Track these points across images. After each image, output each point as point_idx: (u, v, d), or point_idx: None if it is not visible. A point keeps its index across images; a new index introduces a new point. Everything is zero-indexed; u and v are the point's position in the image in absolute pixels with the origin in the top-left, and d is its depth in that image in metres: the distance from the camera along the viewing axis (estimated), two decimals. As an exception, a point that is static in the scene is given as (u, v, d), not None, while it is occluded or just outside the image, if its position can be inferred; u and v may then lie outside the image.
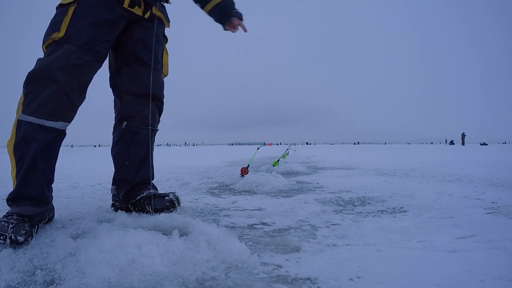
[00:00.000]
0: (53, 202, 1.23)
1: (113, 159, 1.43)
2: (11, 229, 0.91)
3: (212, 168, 4.28)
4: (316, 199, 1.77)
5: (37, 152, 1.08)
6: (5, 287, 0.71)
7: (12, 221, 0.95)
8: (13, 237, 0.90)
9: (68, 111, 1.14)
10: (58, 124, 1.12)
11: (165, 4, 1.49)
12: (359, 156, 7.90)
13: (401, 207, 1.53)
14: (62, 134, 1.16)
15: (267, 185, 2.23)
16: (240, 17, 1.45)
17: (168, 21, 1.49)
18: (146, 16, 1.34)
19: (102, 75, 1.49)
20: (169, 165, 4.60)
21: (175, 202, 1.39)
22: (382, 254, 0.88)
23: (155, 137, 1.49)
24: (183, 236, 0.93)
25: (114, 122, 1.43)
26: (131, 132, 1.36)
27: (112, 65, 1.41)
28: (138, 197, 1.37)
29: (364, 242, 1.00)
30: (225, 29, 1.48)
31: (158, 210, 1.33)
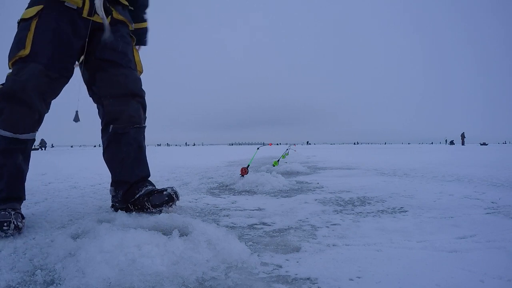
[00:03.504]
0: (53, 202, 1.27)
1: (106, 163, 1.44)
2: (13, 215, 1.03)
3: (212, 168, 4.28)
4: (316, 199, 1.77)
5: (19, 160, 1.20)
6: (5, 287, 0.71)
7: (10, 210, 1.07)
8: (15, 223, 1.01)
9: (38, 125, 1.27)
10: (30, 136, 1.23)
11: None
12: (359, 156, 7.91)
13: (401, 207, 1.53)
14: (33, 140, 1.28)
15: (267, 185, 2.23)
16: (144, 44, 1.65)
17: (131, 22, 1.51)
18: (108, 21, 1.35)
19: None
20: (169, 165, 4.60)
21: (174, 196, 1.38)
22: (382, 254, 0.88)
23: (145, 133, 1.49)
24: (183, 236, 0.93)
25: (100, 128, 1.44)
26: (118, 134, 1.37)
27: (85, 76, 1.43)
28: (137, 196, 1.36)
29: (364, 242, 1.00)
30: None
31: (157, 206, 1.33)
